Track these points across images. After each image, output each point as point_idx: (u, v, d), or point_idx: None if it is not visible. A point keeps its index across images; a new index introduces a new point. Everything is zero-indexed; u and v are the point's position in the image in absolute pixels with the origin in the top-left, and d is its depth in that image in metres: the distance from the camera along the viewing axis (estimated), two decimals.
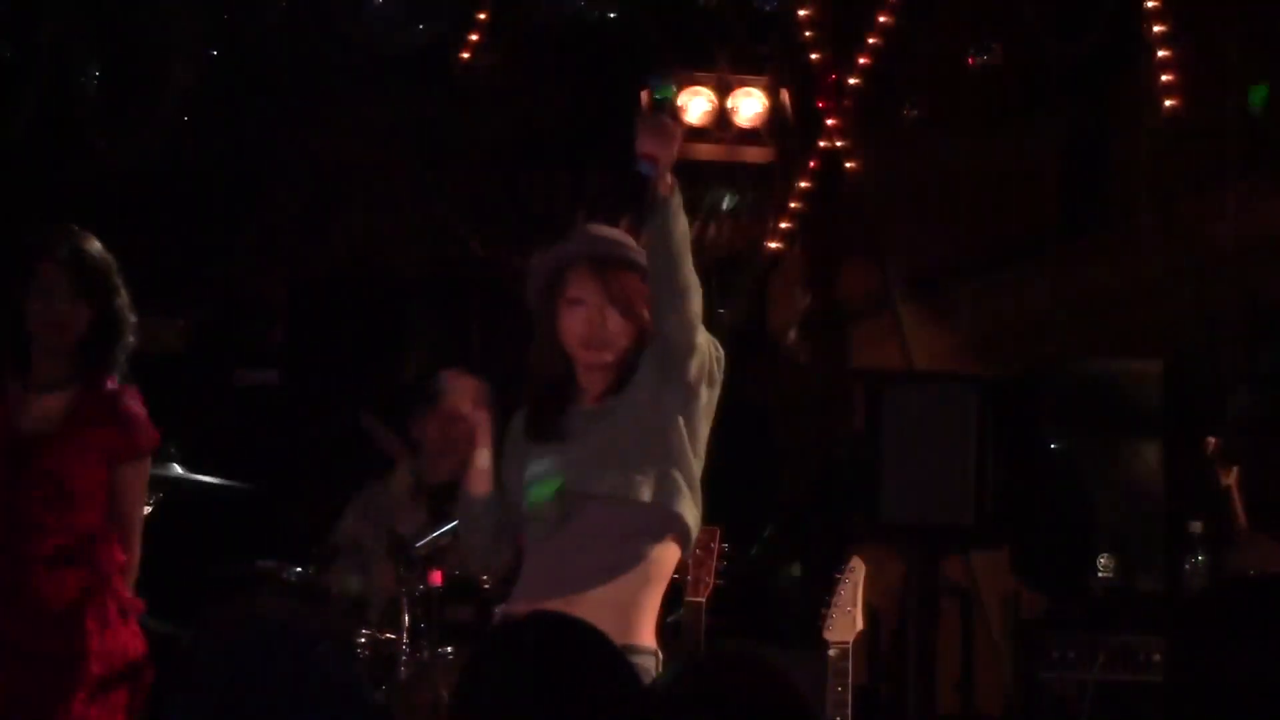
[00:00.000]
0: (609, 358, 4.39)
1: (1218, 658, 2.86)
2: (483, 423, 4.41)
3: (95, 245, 5.31)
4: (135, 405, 5.33)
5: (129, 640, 5.31)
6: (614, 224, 4.81)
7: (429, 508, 6.87)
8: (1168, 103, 7.27)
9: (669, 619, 5.26)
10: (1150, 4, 7.20)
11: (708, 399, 4.35)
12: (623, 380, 4.38)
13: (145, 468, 5.36)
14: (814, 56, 7.99)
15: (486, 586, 6.37)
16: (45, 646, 5.19)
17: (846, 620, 6.21)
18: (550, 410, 4.42)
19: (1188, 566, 6.25)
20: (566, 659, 2.75)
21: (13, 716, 5.11)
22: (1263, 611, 2.91)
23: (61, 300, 5.26)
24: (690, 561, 5.75)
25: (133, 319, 5.33)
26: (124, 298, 5.32)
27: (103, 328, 5.28)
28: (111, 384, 5.28)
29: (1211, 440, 6.27)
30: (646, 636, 4.19)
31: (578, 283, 4.35)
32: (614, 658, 2.78)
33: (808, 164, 8.25)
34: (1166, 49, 7.22)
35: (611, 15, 8.31)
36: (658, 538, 4.27)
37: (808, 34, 7.94)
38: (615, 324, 4.38)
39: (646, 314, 4.34)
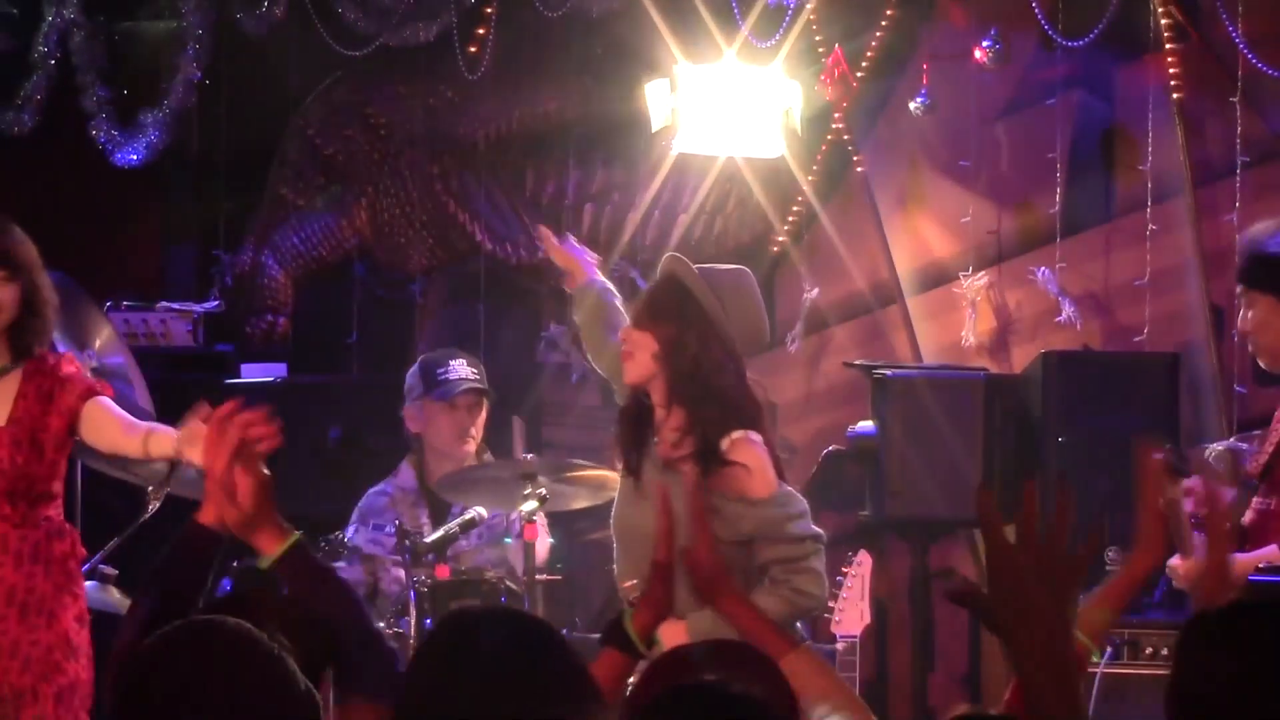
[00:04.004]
0: None
1: (1226, 678, 2.80)
2: None
3: (16, 229, 5.37)
4: (70, 367, 5.40)
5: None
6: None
7: (430, 507, 6.84)
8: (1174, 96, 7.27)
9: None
10: None
11: None
12: None
13: (109, 403, 5.40)
14: (821, 49, 7.97)
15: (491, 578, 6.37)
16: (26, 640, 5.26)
17: (853, 614, 6.23)
18: None
19: None
20: (520, 653, 2.76)
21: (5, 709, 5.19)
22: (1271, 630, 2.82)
23: None
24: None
25: (54, 300, 5.40)
26: (46, 279, 5.39)
27: (30, 309, 5.34)
28: (46, 357, 5.35)
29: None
30: None
31: None
32: (567, 653, 2.80)
33: (814, 157, 8.22)
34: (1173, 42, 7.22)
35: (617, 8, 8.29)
36: None
37: (815, 27, 7.92)
38: None
39: None
